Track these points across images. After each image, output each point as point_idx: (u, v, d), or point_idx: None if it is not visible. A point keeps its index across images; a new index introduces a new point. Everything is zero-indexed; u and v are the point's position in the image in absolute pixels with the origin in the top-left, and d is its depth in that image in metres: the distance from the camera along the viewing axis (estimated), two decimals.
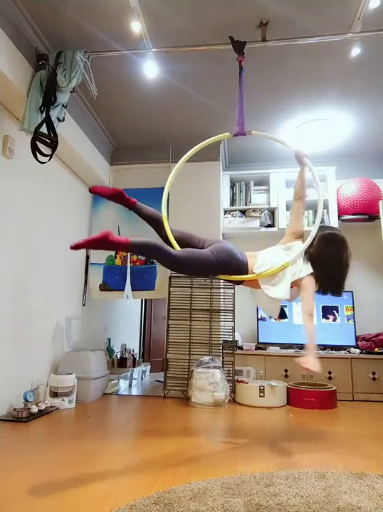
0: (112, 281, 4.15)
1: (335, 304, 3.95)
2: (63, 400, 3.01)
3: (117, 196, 2.06)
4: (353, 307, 3.91)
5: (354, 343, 3.81)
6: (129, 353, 4.67)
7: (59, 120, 2.85)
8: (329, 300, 3.95)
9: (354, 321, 3.87)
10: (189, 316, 3.74)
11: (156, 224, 2.13)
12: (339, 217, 4.01)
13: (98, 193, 2.06)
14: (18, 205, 2.91)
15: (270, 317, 3.94)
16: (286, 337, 3.93)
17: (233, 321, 3.70)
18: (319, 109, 3.57)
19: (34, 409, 2.66)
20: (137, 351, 5.46)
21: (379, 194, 3.99)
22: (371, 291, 4.17)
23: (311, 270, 1.97)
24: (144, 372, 5.01)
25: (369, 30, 2.58)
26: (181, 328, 3.72)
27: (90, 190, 2.08)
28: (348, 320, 3.89)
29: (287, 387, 3.39)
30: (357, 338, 3.84)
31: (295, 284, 2.02)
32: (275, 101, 3.46)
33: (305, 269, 1.99)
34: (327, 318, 3.93)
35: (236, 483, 1.57)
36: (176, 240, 2.07)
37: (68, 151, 3.41)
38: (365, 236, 4.24)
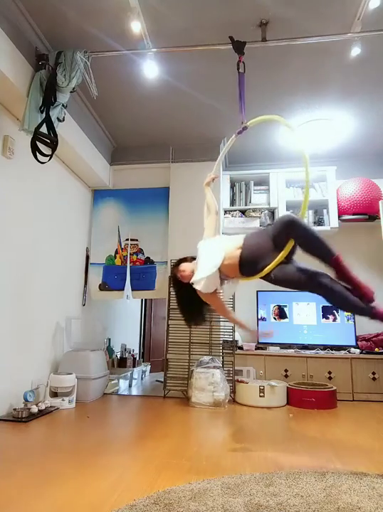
0: (112, 281, 4.15)
1: None
2: (62, 399, 3.01)
3: None
4: None
5: (354, 343, 3.80)
6: (129, 353, 4.67)
7: (59, 120, 2.85)
8: None
9: (354, 321, 3.86)
10: None
11: None
12: (339, 217, 4.01)
13: None
14: (18, 205, 2.91)
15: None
16: (286, 337, 3.93)
17: None
18: (319, 109, 3.57)
19: (34, 409, 2.67)
20: (137, 351, 5.45)
21: (379, 194, 3.99)
22: None
23: None
24: (144, 372, 5.01)
25: (369, 30, 2.59)
26: (181, 328, 3.71)
27: None
28: (348, 320, 3.89)
29: (287, 387, 3.39)
30: (357, 338, 3.84)
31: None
32: (275, 101, 3.46)
33: None
34: (327, 318, 3.93)
35: (236, 483, 1.57)
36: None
37: (68, 151, 3.41)
38: (365, 236, 4.24)
